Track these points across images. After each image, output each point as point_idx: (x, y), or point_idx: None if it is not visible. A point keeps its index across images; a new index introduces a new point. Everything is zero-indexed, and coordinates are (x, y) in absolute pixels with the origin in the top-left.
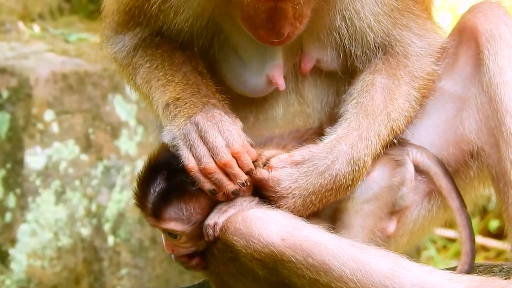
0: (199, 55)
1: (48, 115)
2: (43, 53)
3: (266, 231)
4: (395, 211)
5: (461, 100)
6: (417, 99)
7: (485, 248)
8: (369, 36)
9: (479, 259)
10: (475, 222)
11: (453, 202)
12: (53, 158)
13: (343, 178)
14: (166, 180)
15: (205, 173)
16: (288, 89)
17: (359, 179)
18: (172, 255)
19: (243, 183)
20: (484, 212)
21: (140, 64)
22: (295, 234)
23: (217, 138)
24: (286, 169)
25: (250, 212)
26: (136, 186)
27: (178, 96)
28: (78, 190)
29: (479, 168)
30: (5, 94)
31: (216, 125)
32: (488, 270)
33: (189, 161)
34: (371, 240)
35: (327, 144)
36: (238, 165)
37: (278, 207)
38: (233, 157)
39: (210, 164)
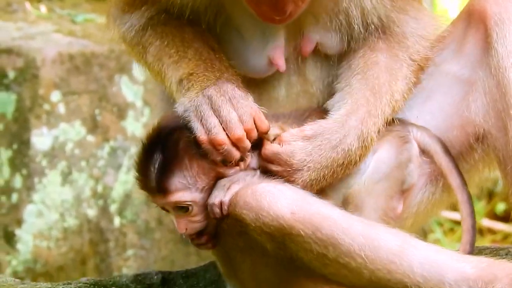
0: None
1: (55, 96)
2: (49, 34)
3: (276, 205)
4: (403, 189)
5: (468, 84)
6: (413, 83)
7: (491, 231)
8: (373, 18)
9: (486, 242)
10: (482, 205)
11: (454, 180)
12: (60, 139)
13: (354, 153)
14: (163, 155)
15: (214, 144)
16: (290, 71)
17: (365, 156)
18: (184, 235)
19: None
20: (490, 195)
21: (150, 43)
22: (304, 208)
23: (231, 113)
24: (299, 142)
25: (260, 186)
26: (136, 171)
27: (191, 72)
28: (85, 171)
29: (485, 151)
30: (11, 75)
31: (230, 100)
32: (494, 253)
33: (200, 133)
34: (383, 221)
35: (337, 119)
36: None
37: (293, 181)
38: (245, 132)
39: (220, 135)
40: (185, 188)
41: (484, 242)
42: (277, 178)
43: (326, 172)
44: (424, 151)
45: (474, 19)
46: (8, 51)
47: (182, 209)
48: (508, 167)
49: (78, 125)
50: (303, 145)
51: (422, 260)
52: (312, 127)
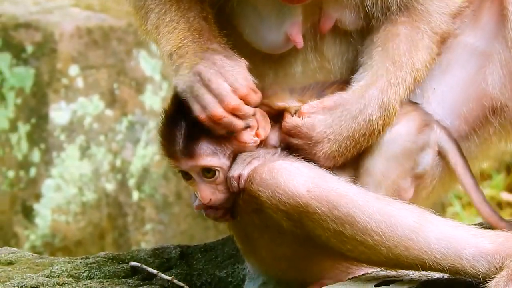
0: (216, 8)
1: (73, 70)
2: (67, 8)
3: (292, 182)
4: (416, 173)
5: (484, 56)
6: (436, 54)
7: (510, 204)
8: None
9: (505, 215)
10: (500, 178)
11: (467, 183)
12: (78, 113)
13: (375, 123)
14: (188, 122)
15: (214, 120)
16: (307, 47)
17: (389, 125)
18: (202, 209)
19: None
20: (509, 168)
21: (151, 9)
22: (321, 186)
23: (221, 85)
24: (319, 115)
25: (277, 163)
26: (161, 136)
27: (180, 45)
28: (103, 145)
29: (501, 124)
30: (29, 49)
31: (219, 71)
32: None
33: (199, 112)
34: (394, 195)
35: (356, 90)
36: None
37: (314, 154)
38: (241, 99)
39: (217, 110)
40: (213, 153)
41: (503, 215)
42: (299, 154)
43: (348, 143)
44: (439, 152)
45: None
46: (27, 26)
47: (208, 173)
48: None
49: (96, 99)
50: (323, 117)
51: (439, 235)
52: (331, 98)
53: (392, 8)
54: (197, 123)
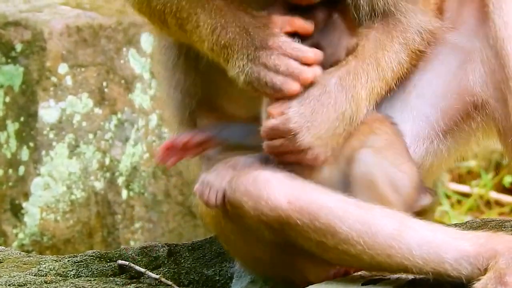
0: None
1: (62, 68)
2: (57, 6)
3: (274, 194)
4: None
5: (465, 52)
6: (405, 62)
7: (499, 204)
8: (379, 2)
9: (493, 215)
10: (489, 177)
11: None
12: (67, 111)
13: (342, 107)
14: None
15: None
16: None
17: (358, 111)
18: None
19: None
20: (498, 167)
21: None
22: (301, 197)
23: (289, 64)
24: (291, 109)
25: (261, 174)
26: None
27: (232, 42)
28: (92, 144)
29: (483, 120)
30: (18, 47)
31: (279, 53)
32: (499, 226)
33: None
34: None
35: (320, 82)
36: None
37: (299, 146)
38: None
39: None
40: None
41: (491, 214)
42: (284, 159)
43: (325, 128)
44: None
45: None
46: (15, 24)
47: None
48: (509, 139)
49: (85, 97)
50: (296, 109)
51: (420, 241)
52: (300, 95)
53: (376, 12)
54: None
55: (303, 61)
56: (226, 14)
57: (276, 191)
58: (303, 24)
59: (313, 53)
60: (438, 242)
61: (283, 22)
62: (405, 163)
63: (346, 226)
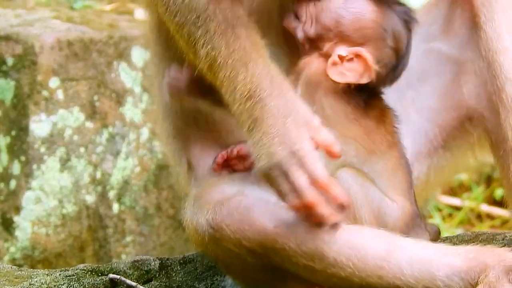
0: None
1: (53, 82)
2: (48, 20)
3: (258, 218)
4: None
5: (459, 64)
6: None
7: (490, 217)
8: None
9: (484, 228)
10: (480, 190)
11: None
12: (58, 125)
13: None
14: None
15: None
16: None
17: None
18: None
19: None
20: (489, 180)
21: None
22: (287, 221)
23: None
24: None
25: (244, 198)
26: None
27: (266, 133)
28: (83, 157)
29: (479, 134)
30: (10, 62)
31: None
32: (490, 239)
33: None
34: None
35: None
36: None
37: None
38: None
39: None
40: None
41: (482, 227)
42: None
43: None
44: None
45: None
46: (7, 38)
47: None
48: (501, 151)
49: (76, 111)
50: None
51: (410, 260)
52: None
53: None
54: None
55: (316, 185)
56: (273, 83)
57: (260, 214)
58: (332, 149)
59: (330, 182)
60: (428, 260)
61: (319, 133)
62: (400, 196)
63: (334, 250)
